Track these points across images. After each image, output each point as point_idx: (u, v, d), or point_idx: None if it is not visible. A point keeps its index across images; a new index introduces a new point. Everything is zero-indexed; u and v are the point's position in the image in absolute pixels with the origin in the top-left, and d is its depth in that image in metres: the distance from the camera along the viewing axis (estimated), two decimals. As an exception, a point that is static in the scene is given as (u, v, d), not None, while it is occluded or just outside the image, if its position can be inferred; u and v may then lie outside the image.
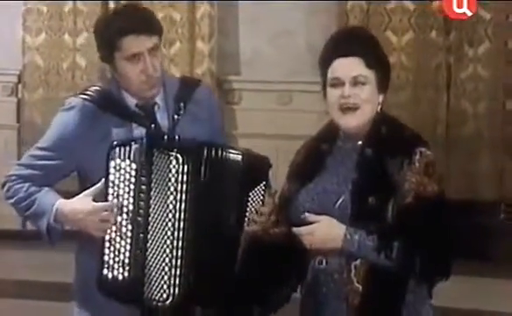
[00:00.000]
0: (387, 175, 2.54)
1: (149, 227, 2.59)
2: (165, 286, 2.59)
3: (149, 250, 2.59)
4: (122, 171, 2.60)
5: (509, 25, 6.13)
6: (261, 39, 6.48)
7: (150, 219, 2.59)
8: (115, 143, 2.61)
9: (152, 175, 2.58)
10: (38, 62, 6.61)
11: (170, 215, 2.59)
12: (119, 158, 2.59)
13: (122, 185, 2.60)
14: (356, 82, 2.58)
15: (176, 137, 2.65)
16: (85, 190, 2.71)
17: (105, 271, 2.60)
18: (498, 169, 6.18)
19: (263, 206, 2.68)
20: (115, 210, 2.60)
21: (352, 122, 2.59)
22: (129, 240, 2.60)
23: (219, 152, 2.64)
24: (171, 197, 2.58)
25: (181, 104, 2.77)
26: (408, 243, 2.51)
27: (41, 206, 2.72)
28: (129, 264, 2.59)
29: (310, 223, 2.56)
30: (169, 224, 2.59)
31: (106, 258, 2.61)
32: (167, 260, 2.59)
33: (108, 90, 2.80)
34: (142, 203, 2.59)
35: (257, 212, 2.67)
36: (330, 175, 2.62)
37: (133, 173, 2.59)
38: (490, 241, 5.94)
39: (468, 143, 6.19)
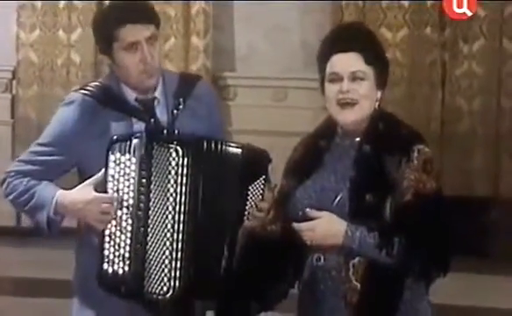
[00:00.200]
0: (385, 172, 2.54)
1: (149, 221, 2.60)
2: (165, 279, 2.60)
3: (149, 244, 2.60)
4: (122, 165, 2.60)
5: (504, 22, 6.13)
6: (256, 35, 6.48)
7: (150, 212, 2.60)
8: (115, 138, 2.62)
9: (152, 169, 2.59)
10: (32, 59, 6.60)
11: (170, 208, 2.60)
12: (119, 152, 2.60)
13: (122, 179, 2.61)
14: (354, 77, 2.58)
15: (176, 131, 2.66)
16: None
17: (105, 266, 2.61)
18: (492, 166, 6.19)
19: (263, 201, 2.68)
20: (115, 203, 2.61)
21: (350, 117, 2.59)
22: (129, 235, 2.60)
23: (219, 145, 2.64)
24: (171, 190, 2.59)
25: (181, 100, 2.77)
26: (408, 240, 2.51)
27: (41, 199, 2.71)
28: (129, 258, 2.59)
29: (311, 219, 2.56)
30: (169, 216, 2.60)
31: (106, 253, 2.61)
32: (167, 252, 2.60)
33: (107, 85, 2.80)
34: (142, 196, 2.59)
35: (257, 207, 2.67)
36: (328, 173, 2.62)
37: (133, 167, 2.60)
38: (485, 238, 5.96)
39: (463, 140, 6.21)
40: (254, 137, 5.97)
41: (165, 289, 2.59)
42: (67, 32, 6.57)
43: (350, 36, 2.64)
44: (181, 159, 2.59)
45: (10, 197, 2.77)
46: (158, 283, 2.60)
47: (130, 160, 2.60)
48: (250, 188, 2.66)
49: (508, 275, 5.60)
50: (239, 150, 2.66)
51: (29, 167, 2.77)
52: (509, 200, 6.15)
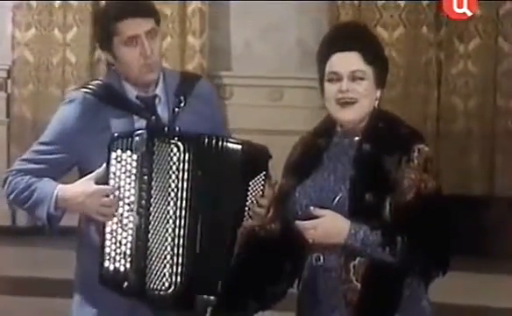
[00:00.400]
0: (385, 171, 2.54)
1: (150, 217, 2.61)
2: (167, 274, 2.61)
3: (150, 240, 2.61)
4: (123, 162, 2.61)
5: (499, 21, 6.14)
6: (252, 34, 6.48)
7: (151, 208, 2.61)
8: (116, 135, 2.63)
9: (154, 165, 2.61)
10: (27, 58, 6.58)
11: (172, 203, 2.61)
12: (120, 149, 2.61)
13: (123, 176, 2.62)
14: (354, 77, 2.59)
15: (177, 128, 2.68)
16: None
17: (107, 263, 2.61)
18: (488, 165, 6.20)
19: (263, 197, 2.69)
20: (116, 193, 2.61)
21: (350, 115, 2.60)
22: (130, 232, 2.61)
23: (219, 141, 2.65)
24: (172, 185, 2.61)
25: (182, 98, 2.78)
26: (410, 239, 2.52)
27: (41, 194, 2.72)
28: (130, 255, 2.60)
29: (313, 217, 2.56)
30: (171, 212, 2.61)
31: (107, 250, 2.62)
32: (168, 248, 2.61)
33: (108, 83, 2.81)
34: (143, 193, 2.61)
35: (257, 203, 2.68)
36: (328, 172, 2.62)
37: (134, 164, 2.61)
38: (481, 236, 5.96)
39: (458, 139, 6.21)
40: (250, 136, 5.96)
41: (166, 284, 2.61)
42: (62, 32, 6.55)
43: (349, 35, 2.65)
44: (182, 154, 2.60)
45: (12, 195, 2.78)
46: (159, 279, 2.61)
47: (131, 157, 2.61)
48: (250, 184, 2.67)
49: (504, 273, 5.61)
50: (240, 146, 2.67)
51: (30, 165, 2.77)
52: (505, 199, 6.17)
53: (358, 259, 2.55)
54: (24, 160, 2.81)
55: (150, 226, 2.61)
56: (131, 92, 2.78)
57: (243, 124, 6.24)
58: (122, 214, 2.61)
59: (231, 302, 2.66)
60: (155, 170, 2.61)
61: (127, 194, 2.61)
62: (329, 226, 2.54)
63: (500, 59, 6.17)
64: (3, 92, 6.73)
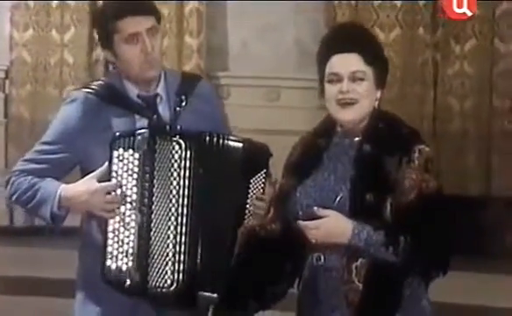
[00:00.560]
0: (385, 172, 2.55)
1: (152, 216, 2.63)
2: (169, 272, 2.63)
3: (153, 238, 2.63)
4: (125, 161, 2.63)
5: (495, 22, 6.16)
6: (249, 34, 6.49)
7: (153, 207, 2.63)
8: (117, 134, 2.65)
9: (155, 163, 2.62)
10: (25, 58, 6.59)
11: (174, 200, 2.63)
12: (122, 148, 2.62)
13: (125, 175, 2.63)
14: (354, 77, 2.60)
15: (178, 127, 2.69)
16: None
17: (109, 262, 2.63)
18: (484, 165, 6.22)
19: (263, 195, 2.70)
20: (118, 191, 2.63)
21: (350, 115, 2.61)
22: (133, 230, 2.63)
23: (220, 139, 2.67)
24: (174, 183, 2.62)
25: (183, 97, 2.80)
26: (412, 239, 2.52)
27: (44, 194, 2.73)
28: (133, 254, 2.62)
29: (316, 217, 2.56)
30: (172, 209, 2.63)
31: (110, 249, 2.63)
32: (170, 246, 2.63)
33: (110, 83, 2.83)
34: (145, 192, 2.62)
35: (258, 201, 2.69)
36: (328, 172, 2.63)
37: (136, 162, 2.62)
38: (478, 237, 5.98)
39: (455, 139, 6.23)
40: (247, 136, 6.01)
41: (168, 282, 2.62)
42: (60, 32, 6.55)
43: (349, 36, 2.66)
44: (183, 152, 2.62)
45: (15, 196, 2.79)
46: (161, 276, 2.62)
47: (133, 155, 2.62)
48: (251, 181, 2.69)
49: (500, 273, 5.62)
50: (240, 144, 2.68)
51: (33, 165, 2.78)
52: (501, 199, 6.19)
53: (360, 260, 2.55)
54: (26, 160, 2.82)
55: (152, 225, 2.62)
56: (133, 91, 2.80)
57: (240, 124, 6.21)
58: (124, 213, 2.63)
59: (231, 301, 2.66)
60: (157, 168, 2.62)
61: (129, 192, 2.63)
62: (332, 225, 2.55)
63: (496, 60, 6.18)
64: (1, 93, 6.73)
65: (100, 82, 2.86)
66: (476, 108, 6.21)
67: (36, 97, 6.57)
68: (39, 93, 6.57)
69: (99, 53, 6.51)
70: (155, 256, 2.62)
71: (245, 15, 6.45)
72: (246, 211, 2.70)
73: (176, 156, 2.62)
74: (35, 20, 6.56)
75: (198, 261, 2.64)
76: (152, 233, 2.62)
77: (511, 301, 5.11)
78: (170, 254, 2.62)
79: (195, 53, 6.40)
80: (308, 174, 2.64)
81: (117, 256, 2.63)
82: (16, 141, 6.58)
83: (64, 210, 2.73)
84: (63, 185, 2.73)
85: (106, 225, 2.65)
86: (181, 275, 2.62)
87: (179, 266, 2.62)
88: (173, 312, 2.73)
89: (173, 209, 2.63)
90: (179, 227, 2.63)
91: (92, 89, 2.81)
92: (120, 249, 2.63)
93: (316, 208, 2.57)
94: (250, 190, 2.69)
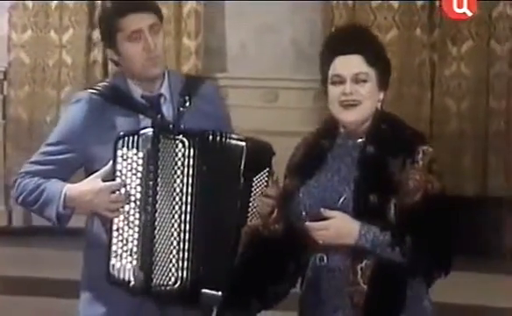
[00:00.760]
0: (389, 173, 2.56)
1: (156, 214, 2.64)
2: (173, 269, 2.64)
3: (157, 236, 2.64)
4: (129, 160, 2.65)
5: (492, 23, 6.18)
6: (247, 35, 6.50)
7: (157, 205, 2.64)
8: (121, 133, 2.67)
9: (159, 162, 2.64)
10: (23, 59, 6.59)
11: (177, 198, 2.64)
12: (126, 147, 2.64)
13: (129, 174, 2.65)
14: (357, 79, 2.61)
15: (182, 126, 2.72)
16: None
17: (113, 261, 2.64)
18: (481, 166, 6.24)
19: (266, 193, 2.71)
20: (122, 190, 2.65)
21: (352, 116, 2.62)
22: (137, 229, 2.64)
23: (224, 137, 2.69)
24: (178, 181, 2.64)
25: (186, 98, 2.81)
26: (418, 239, 2.53)
27: (49, 195, 2.75)
28: (137, 252, 2.63)
29: (322, 218, 2.57)
30: (176, 207, 2.65)
31: (114, 248, 2.65)
32: (174, 243, 2.64)
33: (114, 84, 2.85)
34: (149, 190, 2.63)
35: (261, 199, 2.70)
36: (331, 173, 2.64)
37: (140, 162, 2.64)
38: (474, 237, 5.99)
39: (452, 140, 6.24)
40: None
41: (173, 279, 2.64)
42: (58, 33, 6.55)
43: (351, 38, 2.67)
44: (187, 150, 2.64)
45: (21, 197, 2.81)
46: (165, 274, 2.64)
47: (137, 154, 2.64)
48: (254, 179, 2.70)
49: (496, 273, 5.64)
50: (243, 142, 2.70)
51: (39, 167, 2.81)
52: (497, 199, 6.21)
53: (365, 261, 2.57)
54: (32, 162, 2.85)
55: (156, 223, 2.64)
56: (137, 92, 2.82)
57: (238, 125, 6.28)
58: (128, 212, 2.65)
59: (234, 300, 2.67)
60: (161, 167, 2.64)
61: (133, 192, 2.65)
62: (339, 226, 2.55)
63: (492, 61, 6.19)
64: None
65: (104, 83, 2.88)
66: (473, 109, 6.23)
67: (34, 98, 6.57)
68: (38, 94, 6.58)
69: (97, 54, 6.54)
70: (159, 254, 2.64)
71: (243, 16, 6.46)
72: (249, 210, 2.71)
73: (180, 154, 2.64)
74: (33, 21, 6.56)
75: (202, 259, 2.66)
76: (156, 231, 2.64)
77: (509, 301, 5.13)
78: (174, 252, 2.64)
79: (193, 54, 6.41)
80: (311, 175, 2.65)
81: (121, 255, 2.64)
82: (14, 142, 6.59)
83: (69, 210, 2.75)
84: (68, 185, 2.75)
85: (111, 224, 2.67)
86: (185, 272, 2.64)
87: (183, 264, 2.64)
88: (177, 313, 2.75)
89: (176, 207, 2.64)
90: (182, 225, 2.64)
91: (96, 89, 2.84)
92: (124, 248, 2.64)
93: (322, 209, 2.57)
94: (253, 189, 2.70)
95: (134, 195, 2.65)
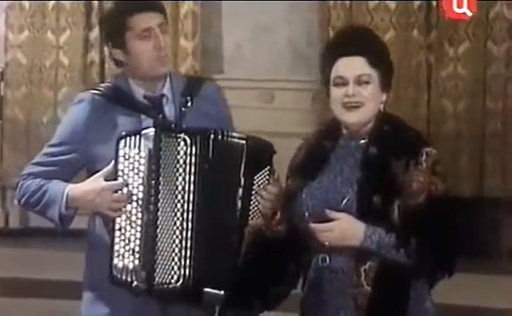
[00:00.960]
0: (392, 174, 2.56)
1: (158, 213, 2.64)
2: (175, 268, 2.65)
3: (159, 235, 2.64)
4: (131, 160, 2.65)
5: (489, 24, 6.19)
6: (243, 36, 6.50)
7: (159, 204, 2.64)
8: (123, 133, 2.67)
9: (161, 161, 2.64)
10: (20, 60, 6.59)
11: (179, 196, 2.65)
12: (128, 147, 2.65)
13: (131, 174, 2.66)
14: (360, 81, 2.61)
15: (183, 126, 2.73)
16: None
17: (116, 260, 2.64)
18: (478, 166, 6.25)
19: (268, 191, 2.70)
20: (125, 189, 2.65)
21: (355, 118, 2.62)
22: (139, 228, 2.65)
23: (225, 136, 2.70)
24: (180, 179, 2.65)
25: (188, 98, 2.82)
26: (423, 241, 2.53)
27: (52, 195, 2.75)
28: (139, 252, 2.64)
29: (327, 220, 2.56)
30: (178, 205, 2.65)
31: (117, 247, 2.65)
32: (177, 241, 2.65)
33: (116, 84, 2.86)
34: (152, 190, 2.64)
35: (262, 197, 2.70)
36: (334, 174, 2.64)
37: (142, 161, 2.65)
38: (471, 238, 6.00)
39: (448, 141, 6.25)
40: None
41: (175, 277, 2.64)
42: (55, 34, 6.56)
43: (354, 39, 2.66)
44: (189, 148, 2.65)
45: (23, 199, 2.81)
46: (168, 273, 2.64)
47: (139, 154, 2.65)
48: (255, 178, 2.71)
49: (492, 273, 5.65)
50: (244, 141, 2.71)
51: (41, 168, 2.81)
52: (494, 200, 6.22)
53: (368, 263, 2.57)
54: (34, 163, 2.85)
55: (158, 222, 2.64)
56: (139, 92, 2.83)
57: (235, 126, 6.28)
58: (130, 211, 2.65)
59: (236, 301, 2.68)
60: (163, 166, 2.64)
61: (135, 191, 2.65)
62: (345, 228, 2.55)
63: (489, 62, 6.21)
64: (-4, 94, 6.75)
65: (107, 84, 2.90)
66: (469, 110, 6.24)
67: (31, 99, 6.58)
68: (35, 95, 6.58)
69: (94, 55, 6.54)
70: (162, 253, 2.64)
71: (240, 17, 6.47)
72: (251, 208, 2.71)
73: (182, 153, 2.65)
74: (30, 22, 6.57)
75: (204, 257, 2.66)
76: (158, 230, 2.64)
77: (505, 302, 5.14)
78: (176, 250, 2.64)
79: (189, 55, 6.41)
80: (313, 176, 2.65)
81: (123, 255, 2.64)
82: (11, 143, 6.60)
83: (72, 210, 2.75)
84: (70, 185, 2.75)
85: (113, 223, 2.67)
86: (187, 270, 2.65)
87: (185, 262, 2.65)
88: (179, 312, 2.75)
89: (178, 205, 2.65)
90: (185, 223, 2.65)
91: (98, 90, 2.85)
92: (127, 247, 2.64)
93: (328, 211, 2.57)
94: (254, 187, 2.70)
95: (136, 194, 2.65)
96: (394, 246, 2.54)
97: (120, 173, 2.66)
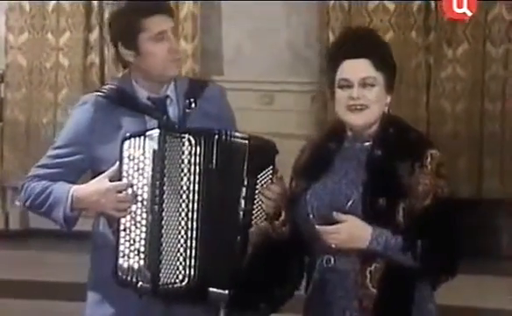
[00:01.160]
0: (397, 176, 2.57)
1: (163, 213, 2.65)
2: (180, 267, 2.65)
3: (164, 235, 2.65)
4: (135, 161, 2.66)
5: (487, 26, 6.21)
6: (243, 38, 6.51)
7: (164, 204, 2.65)
8: (128, 134, 2.69)
9: (166, 162, 2.65)
10: (20, 62, 6.58)
11: (184, 196, 2.66)
12: (132, 148, 2.66)
13: (136, 174, 2.67)
14: (365, 83, 2.62)
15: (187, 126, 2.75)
16: None
17: (121, 261, 2.66)
18: (476, 168, 6.27)
19: (270, 190, 2.72)
20: (129, 190, 2.66)
21: (360, 120, 2.63)
22: (144, 229, 2.66)
23: (228, 136, 2.71)
24: (184, 179, 2.66)
25: (192, 100, 2.84)
26: (431, 243, 2.54)
27: (57, 197, 2.76)
28: (144, 252, 2.65)
29: (333, 222, 2.57)
30: (183, 205, 2.66)
31: (122, 247, 2.66)
32: (182, 241, 2.66)
33: (120, 86, 2.87)
34: (156, 190, 2.65)
35: (266, 195, 2.72)
36: (339, 176, 2.65)
37: (147, 162, 2.66)
38: (468, 239, 6.01)
39: (447, 142, 6.26)
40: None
41: (180, 277, 2.65)
42: (55, 36, 6.55)
43: (359, 42, 2.67)
44: (193, 148, 2.66)
45: (28, 201, 2.83)
46: (173, 272, 2.65)
47: (143, 155, 2.66)
48: (258, 177, 2.72)
49: (489, 274, 5.67)
50: (246, 141, 2.72)
51: (46, 170, 2.82)
52: (492, 201, 6.24)
53: (374, 265, 2.58)
54: (39, 166, 2.86)
55: (163, 222, 2.65)
56: (142, 94, 2.85)
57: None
58: (135, 212, 2.67)
59: (243, 304, 2.69)
60: (167, 166, 2.65)
61: (140, 191, 2.66)
62: (353, 230, 2.55)
63: (487, 63, 6.21)
64: (-4, 96, 6.75)
65: (110, 86, 2.91)
66: (468, 111, 6.25)
67: (31, 101, 6.57)
68: (35, 96, 6.57)
69: (94, 56, 6.55)
70: (167, 253, 2.65)
71: (239, 18, 6.47)
72: (254, 207, 2.72)
73: (186, 153, 2.66)
74: (30, 24, 6.56)
75: (209, 256, 2.67)
76: (163, 230, 2.65)
77: (504, 302, 5.15)
78: (182, 250, 2.65)
79: (189, 57, 6.41)
80: (317, 177, 2.66)
81: (128, 255, 2.66)
82: (11, 145, 6.60)
83: (77, 211, 2.76)
84: (75, 186, 2.77)
85: (118, 224, 2.68)
86: (192, 270, 2.65)
87: (190, 261, 2.65)
88: (183, 313, 2.76)
89: (183, 205, 2.66)
90: (189, 223, 2.66)
91: (103, 92, 2.87)
92: (132, 248, 2.66)
93: (335, 213, 2.57)
94: (257, 187, 2.72)
95: (141, 195, 2.67)
96: (401, 248, 2.55)
97: (125, 174, 2.67)
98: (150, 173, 2.66)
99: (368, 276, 2.57)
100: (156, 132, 2.67)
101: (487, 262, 5.87)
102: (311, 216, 2.63)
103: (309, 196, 2.66)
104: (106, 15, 6.39)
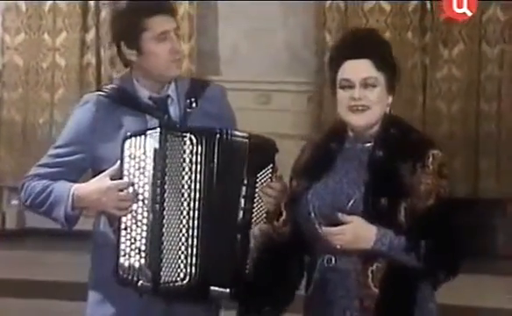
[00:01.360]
0: (399, 177, 2.57)
1: (164, 212, 2.66)
2: (182, 266, 2.66)
3: (165, 234, 2.65)
4: (137, 160, 2.67)
5: (483, 26, 6.23)
6: (240, 38, 6.52)
7: (165, 203, 2.66)
8: (129, 133, 2.69)
9: (167, 160, 2.65)
10: (17, 62, 6.59)
11: (185, 195, 2.67)
12: (133, 147, 2.67)
13: (137, 173, 2.67)
14: (366, 84, 2.61)
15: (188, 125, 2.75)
16: None
17: (122, 260, 2.66)
18: (472, 167, 6.28)
19: (271, 188, 2.73)
20: (130, 189, 2.66)
21: (361, 121, 2.63)
22: (145, 227, 2.66)
23: (229, 134, 2.72)
24: (185, 178, 2.66)
25: (193, 99, 2.85)
26: (434, 243, 2.54)
27: (57, 196, 2.76)
28: (145, 251, 2.65)
29: (337, 223, 2.57)
30: (184, 204, 2.67)
31: (123, 246, 2.66)
32: (183, 239, 2.66)
33: (121, 86, 2.88)
34: (157, 189, 2.65)
35: (266, 194, 2.73)
36: (340, 176, 2.65)
37: (148, 161, 2.66)
38: (466, 239, 6.03)
39: (443, 142, 6.27)
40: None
41: (182, 275, 2.66)
42: (52, 36, 6.56)
43: (360, 42, 2.66)
44: (195, 147, 2.67)
45: (29, 200, 2.82)
46: (174, 271, 2.65)
47: (144, 153, 2.66)
48: (258, 176, 2.73)
49: (486, 274, 5.68)
50: (246, 139, 2.73)
51: (47, 169, 2.82)
52: (488, 201, 6.25)
53: (376, 264, 2.58)
54: (40, 165, 2.86)
55: (164, 221, 2.65)
56: (144, 93, 2.85)
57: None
58: (136, 210, 2.67)
59: (248, 307, 2.70)
60: (168, 165, 2.65)
61: (141, 190, 2.67)
62: (357, 231, 2.55)
63: (483, 64, 6.23)
64: (-7, 96, 6.75)
65: (112, 85, 2.91)
66: (464, 111, 6.26)
67: (28, 101, 6.58)
68: (31, 96, 6.58)
69: (90, 56, 6.55)
70: (168, 252, 2.65)
71: (236, 18, 6.48)
72: (255, 206, 2.73)
73: (188, 151, 2.67)
74: (27, 24, 6.57)
75: (210, 255, 2.68)
76: (164, 229, 2.65)
77: (502, 301, 5.17)
78: (183, 248, 2.66)
79: (186, 57, 6.40)
80: (318, 177, 2.66)
81: (129, 254, 2.66)
82: (7, 145, 6.60)
83: (78, 210, 2.76)
84: (76, 185, 2.77)
85: (119, 223, 2.68)
86: (193, 268, 2.66)
87: (191, 260, 2.66)
88: (184, 312, 2.77)
89: (185, 203, 2.67)
90: (191, 221, 2.67)
91: (104, 91, 2.87)
92: (133, 246, 2.66)
93: (339, 214, 2.57)
94: (257, 185, 2.72)
95: (142, 194, 2.67)
96: (405, 248, 2.55)
97: (126, 173, 2.67)
98: (151, 172, 2.66)
99: (370, 275, 2.57)
100: (157, 132, 2.67)
101: (483, 261, 5.87)
102: (312, 215, 2.63)
103: (310, 195, 2.65)
104: (103, 15, 6.41)
